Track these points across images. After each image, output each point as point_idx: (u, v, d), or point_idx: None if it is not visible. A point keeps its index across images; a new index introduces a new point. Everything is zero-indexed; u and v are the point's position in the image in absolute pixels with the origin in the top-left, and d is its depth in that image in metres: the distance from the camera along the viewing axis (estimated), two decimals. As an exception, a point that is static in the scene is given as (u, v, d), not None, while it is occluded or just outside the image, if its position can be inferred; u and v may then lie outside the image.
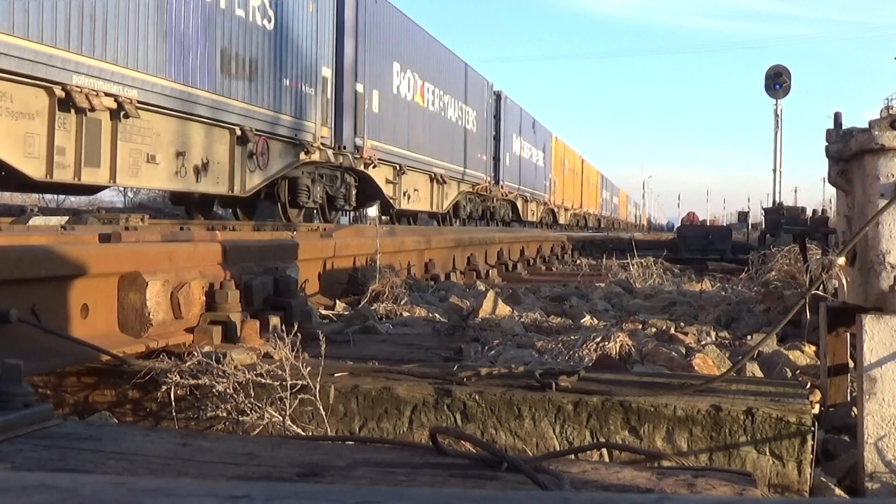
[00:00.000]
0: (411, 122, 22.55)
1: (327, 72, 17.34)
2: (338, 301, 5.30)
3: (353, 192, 19.61)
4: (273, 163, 15.37)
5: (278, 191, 16.66)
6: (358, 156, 18.87)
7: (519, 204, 36.51)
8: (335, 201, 18.92)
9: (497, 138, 32.45)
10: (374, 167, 19.84)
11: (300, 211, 17.56)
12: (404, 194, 22.12)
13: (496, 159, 32.29)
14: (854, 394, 2.86)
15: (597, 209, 61.50)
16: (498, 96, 32.91)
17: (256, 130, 14.47)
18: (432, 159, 24.31)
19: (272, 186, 16.25)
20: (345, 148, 18.10)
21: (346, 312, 4.96)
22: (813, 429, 2.39)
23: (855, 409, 2.70)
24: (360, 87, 18.84)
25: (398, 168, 21.54)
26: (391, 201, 21.29)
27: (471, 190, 29.11)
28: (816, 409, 2.88)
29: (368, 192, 20.42)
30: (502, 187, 32.78)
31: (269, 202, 17.18)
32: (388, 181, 21.04)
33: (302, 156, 16.27)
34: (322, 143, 16.90)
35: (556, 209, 44.77)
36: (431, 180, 24.70)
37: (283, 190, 16.76)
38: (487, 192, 30.93)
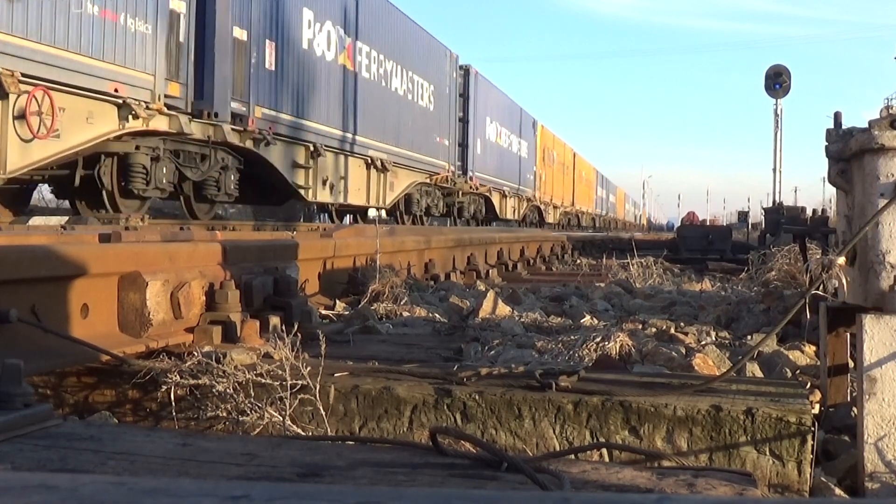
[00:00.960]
0: (331, 90, 17.45)
1: (179, 3, 12.08)
2: (338, 301, 5.30)
3: (233, 176, 14.38)
4: (71, 131, 10.26)
5: (100, 173, 11.79)
6: (240, 127, 13.70)
7: (495, 199, 31.55)
8: (204, 189, 13.98)
9: (465, 121, 27.21)
10: (267, 144, 14.60)
11: (141, 203, 12.76)
12: (323, 183, 17.07)
13: (463, 146, 27.11)
14: (854, 394, 2.86)
15: (591, 207, 58.24)
16: (466, 72, 27.37)
17: (24, 75, 9.23)
18: (367, 139, 19.09)
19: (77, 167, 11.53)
20: (216, 115, 12.94)
21: (346, 312, 4.96)
22: (813, 429, 2.39)
23: (855, 409, 2.70)
24: (240, 33, 13.60)
25: (312, 148, 16.39)
26: (301, 191, 16.36)
27: (427, 181, 23.94)
28: (816, 410, 2.88)
29: (266, 177, 15.48)
30: (472, 179, 27.78)
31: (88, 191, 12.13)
32: (296, 165, 16.05)
33: (128, 122, 11.15)
34: (168, 106, 11.82)
35: (542, 206, 39.98)
36: (368, 167, 19.55)
37: (108, 172, 11.90)
38: (450, 183, 25.84)
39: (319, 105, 16.85)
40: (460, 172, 26.93)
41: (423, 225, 22.08)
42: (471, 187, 28.12)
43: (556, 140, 45.18)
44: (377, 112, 19.75)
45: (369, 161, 19.51)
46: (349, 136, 18.33)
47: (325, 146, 17.07)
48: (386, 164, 20.25)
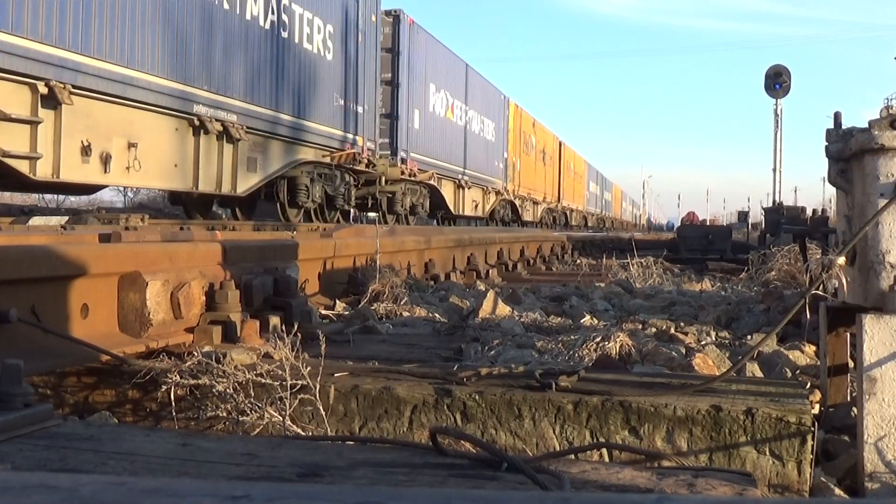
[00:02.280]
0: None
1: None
2: (338, 301, 5.30)
3: None
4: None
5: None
6: None
7: (447, 191, 25.18)
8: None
9: (394, 85, 20.50)
10: None
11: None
12: (84, 151, 10.02)
13: (392, 117, 20.47)
14: (854, 394, 2.86)
15: (582, 204, 52.41)
16: (396, 19, 20.61)
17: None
18: (191, 89, 11.98)
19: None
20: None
21: (346, 312, 4.96)
22: (813, 429, 2.39)
23: (855, 409, 2.70)
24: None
25: (45, 90, 9.34)
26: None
27: (322, 160, 16.71)
28: (816, 410, 2.88)
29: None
30: (404, 162, 20.92)
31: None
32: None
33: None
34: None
35: (517, 201, 33.61)
36: (194, 130, 12.24)
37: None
38: (364, 164, 18.44)
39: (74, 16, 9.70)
40: (387, 152, 20.14)
41: (324, 222, 16.35)
42: (406, 173, 21.00)
43: (537, 125, 38.25)
44: (201, 44, 12.33)
45: (193, 120, 12.15)
46: (140, 76, 10.87)
47: (80, 87, 9.81)
48: (232, 129, 12.92)
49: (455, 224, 26.53)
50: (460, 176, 26.23)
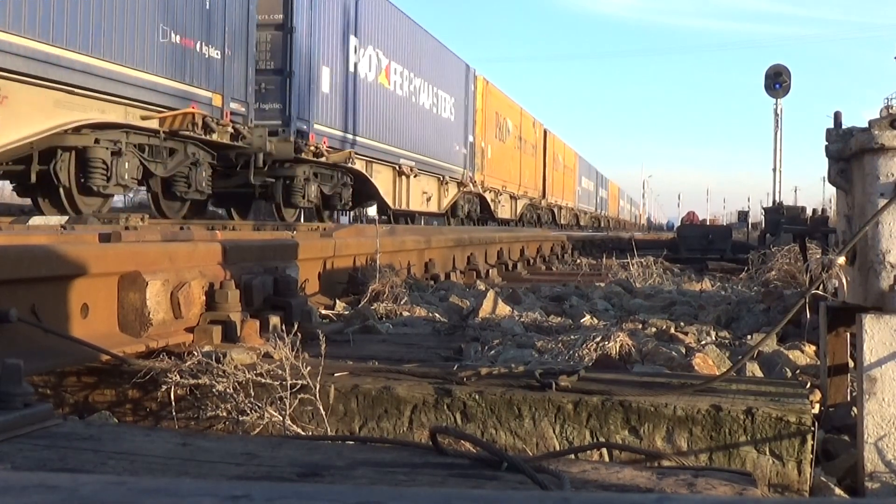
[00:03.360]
0: None
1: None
2: (338, 301, 5.30)
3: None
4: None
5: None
6: None
7: (381, 179, 19.69)
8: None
9: (287, 29, 15.31)
10: None
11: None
12: None
13: (285, 73, 15.31)
14: (854, 394, 2.86)
15: (573, 201, 47.81)
16: None
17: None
18: None
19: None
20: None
21: (346, 312, 4.96)
22: (813, 429, 2.39)
23: (855, 408, 2.70)
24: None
25: None
26: None
27: (139, 123, 11.59)
28: (816, 409, 2.88)
29: None
30: (303, 136, 15.67)
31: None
32: None
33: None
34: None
35: (487, 194, 28.61)
36: None
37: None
38: (229, 136, 13.24)
39: None
40: (276, 122, 15.09)
41: (162, 216, 13.15)
42: (307, 151, 15.67)
43: (513, 106, 32.88)
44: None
45: None
46: None
47: None
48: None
49: (411, 222, 21.65)
50: (402, 161, 20.21)
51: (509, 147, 31.83)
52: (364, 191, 19.58)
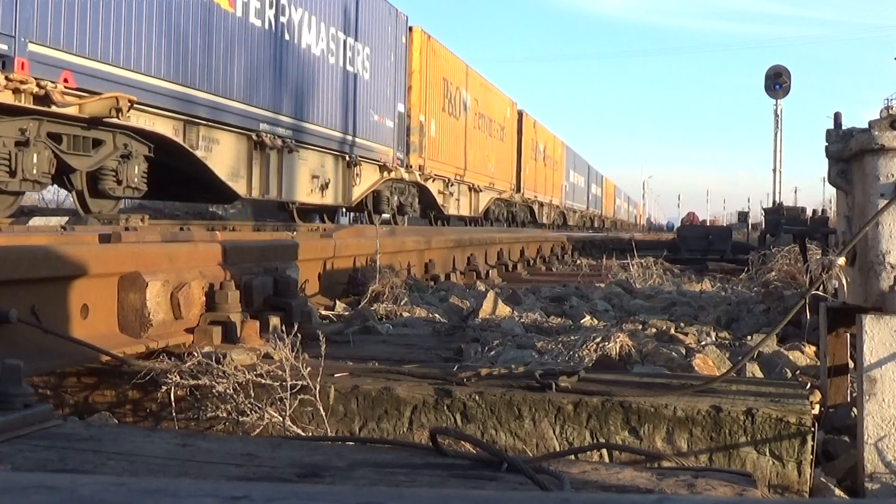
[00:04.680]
0: None
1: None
2: (338, 301, 5.30)
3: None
4: None
5: None
6: None
7: (220, 153, 12.67)
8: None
9: None
10: None
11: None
12: None
13: None
14: (854, 394, 2.86)
15: (558, 197, 41.60)
16: None
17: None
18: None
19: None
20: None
21: (346, 313, 4.96)
22: (813, 429, 2.39)
23: (855, 409, 2.70)
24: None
25: None
26: None
27: None
28: (816, 410, 2.88)
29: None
30: (16, 70, 8.41)
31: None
32: None
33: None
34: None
35: (431, 184, 21.85)
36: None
37: None
38: None
39: None
40: None
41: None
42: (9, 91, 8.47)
43: (471, 75, 25.54)
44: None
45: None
46: None
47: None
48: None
49: (301, 218, 15.93)
50: (266, 127, 13.63)
51: (465, 126, 24.67)
52: (189, 170, 12.40)
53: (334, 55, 16.52)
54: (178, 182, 13.00)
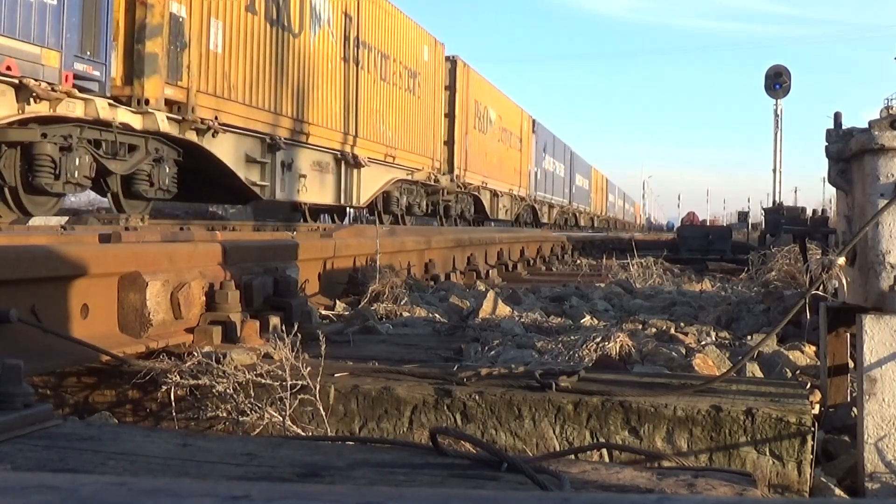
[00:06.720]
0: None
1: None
2: (338, 301, 5.30)
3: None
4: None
5: None
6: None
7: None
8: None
9: None
10: None
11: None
12: None
13: None
14: (854, 394, 2.86)
15: (525, 188, 33.15)
16: None
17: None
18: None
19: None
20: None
21: (346, 313, 4.96)
22: (813, 429, 2.39)
23: (855, 409, 2.70)
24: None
25: None
26: None
27: None
28: (816, 410, 2.88)
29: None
30: None
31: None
32: None
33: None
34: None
35: (356, 168, 17.43)
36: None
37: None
38: None
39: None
40: None
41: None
42: None
43: (409, 25, 20.51)
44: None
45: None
46: None
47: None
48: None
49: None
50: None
51: (395, 90, 19.40)
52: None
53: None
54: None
